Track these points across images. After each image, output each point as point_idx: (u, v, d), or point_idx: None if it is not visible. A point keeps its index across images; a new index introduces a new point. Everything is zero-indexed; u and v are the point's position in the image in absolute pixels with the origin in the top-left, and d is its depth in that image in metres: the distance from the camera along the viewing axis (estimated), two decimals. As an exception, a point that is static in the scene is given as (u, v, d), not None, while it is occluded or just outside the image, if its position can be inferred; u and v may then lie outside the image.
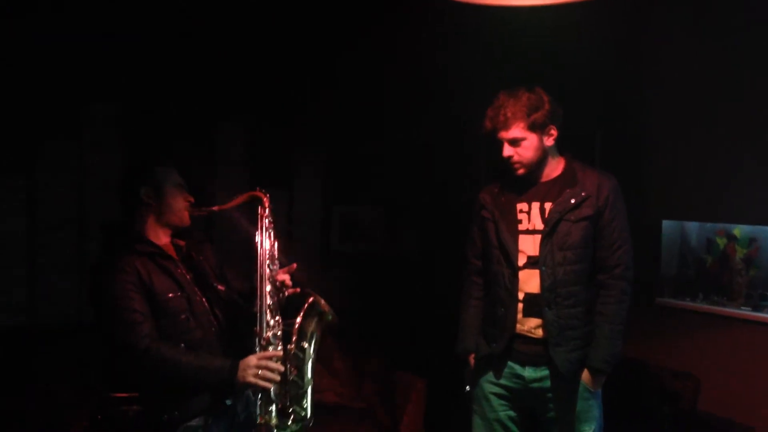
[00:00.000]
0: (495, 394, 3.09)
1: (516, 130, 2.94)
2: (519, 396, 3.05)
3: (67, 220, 4.47)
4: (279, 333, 2.64)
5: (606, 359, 2.93)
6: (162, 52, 4.58)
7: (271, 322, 2.62)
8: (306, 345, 2.70)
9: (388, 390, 4.56)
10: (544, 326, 2.94)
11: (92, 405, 3.97)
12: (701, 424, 4.11)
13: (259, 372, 2.50)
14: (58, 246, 4.44)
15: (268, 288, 2.65)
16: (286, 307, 2.73)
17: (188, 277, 2.68)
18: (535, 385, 3.00)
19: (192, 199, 2.74)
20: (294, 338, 2.68)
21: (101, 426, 3.92)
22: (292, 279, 2.75)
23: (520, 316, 2.99)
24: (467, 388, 3.21)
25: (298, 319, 2.72)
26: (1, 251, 4.31)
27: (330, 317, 2.76)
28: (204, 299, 2.67)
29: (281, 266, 2.76)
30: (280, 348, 2.62)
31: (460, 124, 5.31)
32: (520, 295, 2.98)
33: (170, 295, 2.58)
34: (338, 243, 5.40)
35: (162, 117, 4.63)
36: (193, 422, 2.57)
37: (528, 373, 3.00)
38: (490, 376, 3.10)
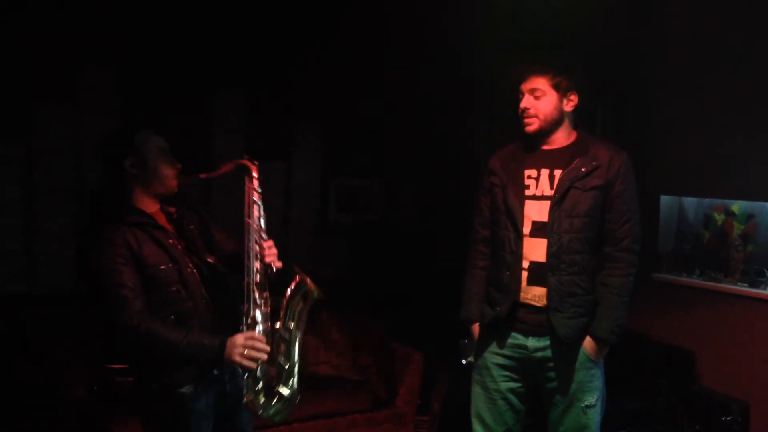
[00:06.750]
0: (497, 364, 3.09)
1: (539, 82, 2.94)
2: (521, 366, 3.06)
3: (65, 186, 4.44)
4: (267, 310, 2.63)
5: (611, 329, 2.93)
6: (160, 17, 4.53)
7: (259, 300, 2.62)
8: (292, 325, 2.68)
9: (385, 361, 4.56)
10: (547, 294, 2.95)
11: (89, 375, 3.98)
12: (697, 398, 4.13)
13: (245, 352, 2.51)
14: (55, 213, 4.42)
15: (257, 265, 2.64)
16: (275, 282, 2.69)
17: (179, 247, 2.65)
18: (538, 354, 3.00)
19: (179, 166, 2.68)
20: (281, 317, 2.67)
21: (97, 396, 3.93)
22: (280, 256, 2.71)
23: (524, 284, 2.99)
24: (463, 361, 3.21)
25: (286, 297, 2.69)
26: (-1, 219, 4.30)
27: (316, 294, 2.72)
28: (195, 270, 2.65)
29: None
30: (267, 326, 2.62)
31: (460, 94, 5.28)
32: (525, 264, 2.98)
33: (162, 267, 2.56)
34: (336, 214, 5.39)
35: (159, 82, 4.58)
36: (183, 389, 2.58)
37: (531, 343, 3.00)
38: (494, 346, 3.09)
